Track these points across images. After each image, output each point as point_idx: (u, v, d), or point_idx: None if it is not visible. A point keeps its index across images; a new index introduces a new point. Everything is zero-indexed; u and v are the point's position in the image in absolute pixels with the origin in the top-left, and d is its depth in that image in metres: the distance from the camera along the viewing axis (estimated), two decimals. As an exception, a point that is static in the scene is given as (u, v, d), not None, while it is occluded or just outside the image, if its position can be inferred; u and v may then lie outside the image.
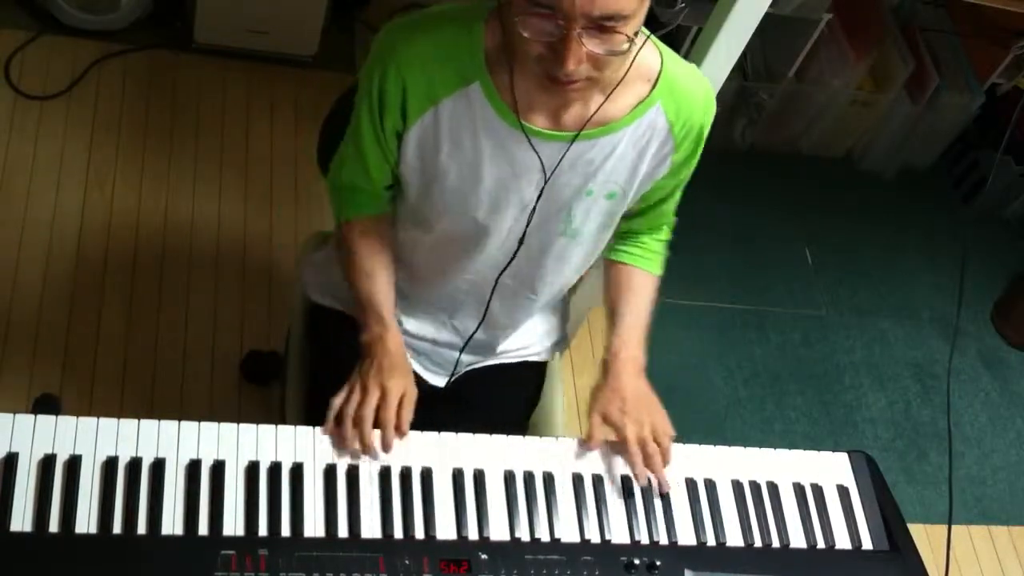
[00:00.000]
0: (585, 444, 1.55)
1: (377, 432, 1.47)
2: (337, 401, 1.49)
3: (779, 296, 3.13)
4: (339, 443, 1.46)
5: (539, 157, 1.47)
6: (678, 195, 1.68)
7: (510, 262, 1.61)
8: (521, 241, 1.58)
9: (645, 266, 1.72)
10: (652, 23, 2.41)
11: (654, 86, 1.48)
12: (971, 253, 3.32)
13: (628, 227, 1.71)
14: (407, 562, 1.36)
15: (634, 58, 1.38)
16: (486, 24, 1.43)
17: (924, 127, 3.39)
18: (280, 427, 1.45)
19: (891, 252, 3.36)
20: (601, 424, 1.57)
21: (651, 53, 1.48)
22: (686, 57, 1.61)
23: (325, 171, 1.91)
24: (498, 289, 1.67)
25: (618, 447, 1.56)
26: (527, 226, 1.56)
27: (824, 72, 3.18)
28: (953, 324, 3.19)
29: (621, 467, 1.55)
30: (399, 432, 1.48)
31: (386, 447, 1.47)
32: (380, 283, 1.61)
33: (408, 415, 1.51)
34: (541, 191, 1.51)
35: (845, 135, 3.44)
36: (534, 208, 1.53)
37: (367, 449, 1.46)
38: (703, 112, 1.54)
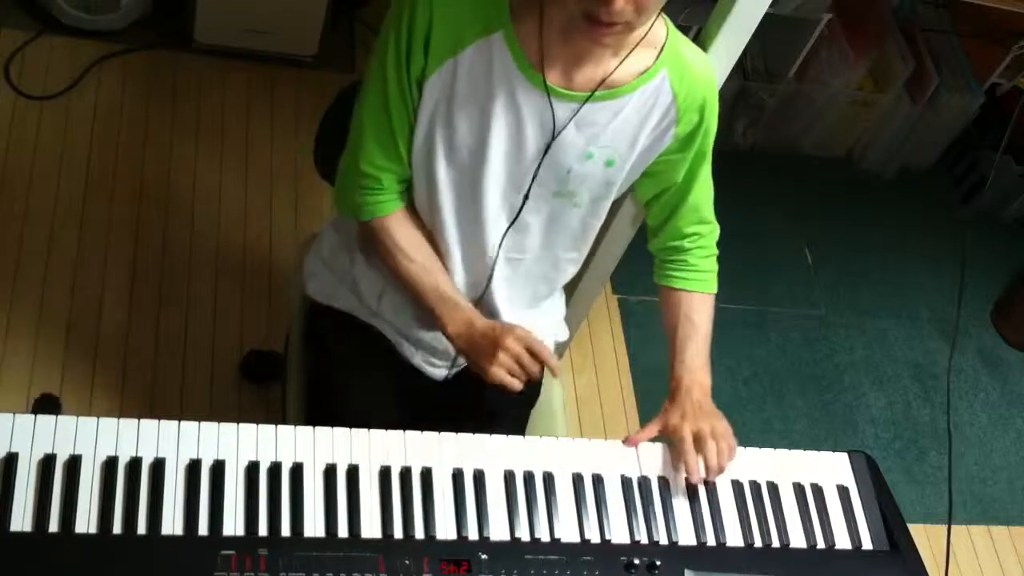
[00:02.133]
0: (620, 443, 1.58)
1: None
2: (506, 378, 1.57)
3: (779, 296, 3.13)
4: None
5: (552, 113, 1.49)
6: (704, 189, 1.68)
7: (512, 222, 1.61)
8: (526, 197, 1.58)
9: (698, 288, 1.73)
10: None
11: (659, 54, 1.50)
12: (971, 253, 3.32)
13: (669, 233, 1.71)
14: (407, 562, 1.36)
15: (654, 21, 1.39)
16: None
17: (924, 127, 3.39)
18: (280, 427, 1.45)
19: (891, 252, 3.36)
20: (655, 432, 1.60)
21: (659, 22, 1.50)
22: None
23: (322, 169, 1.90)
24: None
25: (673, 451, 1.58)
26: (532, 182, 1.56)
27: (824, 72, 3.18)
28: (953, 324, 3.19)
29: (621, 467, 1.55)
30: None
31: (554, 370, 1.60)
32: (440, 272, 1.64)
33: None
34: (547, 147, 1.52)
35: (845, 135, 3.44)
36: (539, 165, 1.54)
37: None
38: (706, 85, 1.55)
